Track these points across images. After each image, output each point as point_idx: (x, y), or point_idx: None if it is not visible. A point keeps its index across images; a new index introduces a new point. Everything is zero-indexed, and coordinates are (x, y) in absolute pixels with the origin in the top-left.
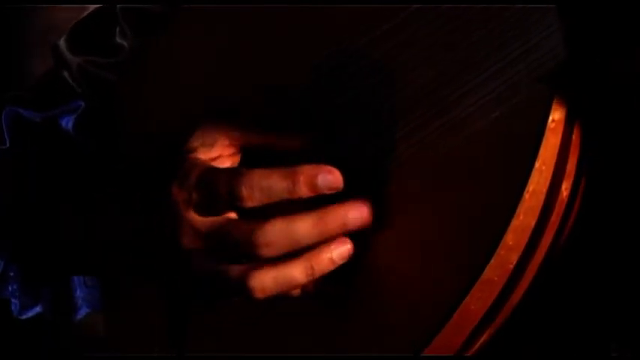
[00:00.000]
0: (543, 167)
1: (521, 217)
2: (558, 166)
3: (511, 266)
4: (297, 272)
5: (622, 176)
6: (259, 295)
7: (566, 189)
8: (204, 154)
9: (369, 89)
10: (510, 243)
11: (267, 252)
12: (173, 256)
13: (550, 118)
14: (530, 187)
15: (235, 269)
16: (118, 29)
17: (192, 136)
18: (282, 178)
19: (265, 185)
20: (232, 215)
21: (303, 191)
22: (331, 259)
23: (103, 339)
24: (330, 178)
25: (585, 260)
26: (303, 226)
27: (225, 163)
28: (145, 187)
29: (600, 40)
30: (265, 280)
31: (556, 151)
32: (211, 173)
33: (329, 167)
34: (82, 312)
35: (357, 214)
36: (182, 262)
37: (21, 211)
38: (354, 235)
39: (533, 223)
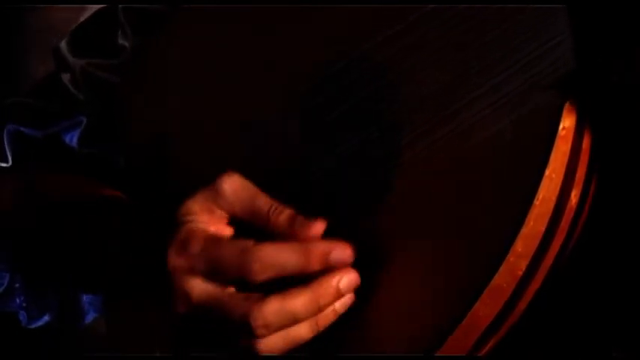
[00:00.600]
0: (553, 175)
1: (531, 224)
2: (568, 174)
3: (520, 273)
4: (304, 331)
5: (631, 183)
6: (270, 354)
7: (575, 196)
8: (201, 218)
9: (376, 92)
10: (520, 250)
11: (265, 332)
12: (170, 314)
13: (560, 125)
14: (541, 194)
15: (239, 338)
16: (119, 30)
17: (191, 199)
18: (294, 254)
19: (278, 262)
20: (229, 290)
21: (316, 267)
22: (335, 312)
23: (104, 339)
24: (343, 255)
25: (593, 267)
26: (300, 303)
27: (222, 227)
28: (144, 241)
29: (610, 45)
30: (273, 344)
31: (566, 158)
32: (217, 245)
33: (342, 243)
34: (90, 317)
35: (349, 279)
36: (177, 321)
37: (24, 228)
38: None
39: (542, 230)
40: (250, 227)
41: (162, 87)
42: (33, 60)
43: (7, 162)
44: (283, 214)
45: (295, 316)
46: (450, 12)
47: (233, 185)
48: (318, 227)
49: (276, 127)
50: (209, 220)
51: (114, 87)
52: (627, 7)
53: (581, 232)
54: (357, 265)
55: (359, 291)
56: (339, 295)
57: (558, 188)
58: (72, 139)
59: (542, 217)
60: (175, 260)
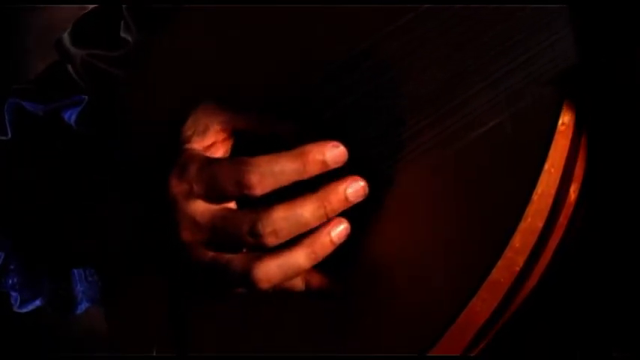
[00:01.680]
0: (552, 170)
1: (529, 220)
2: (567, 169)
3: (518, 268)
4: (301, 258)
5: (630, 179)
6: (265, 285)
7: (574, 191)
8: (198, 143)
9: (376, 89)
10: (517, 245)
11: (273, 240)
12: (173, 248)
13: (560, 120)
14: (539, 189)
15: (238, 261)
16: (122, 23)
17: (184, 125)
18: (291, 160)
19: (277, 170)
20: (231, 206)
21: (314, 170)
22: (331, 241)
23: (104, 338)
24: (337, 152)
25: (591, 263)
26: (308, 210)
27: (219, 150)
28: (144, 179)
29: (610, 42)
30: (270, 270)
31: (565, 153)
32: (213, 164)
33: (333, 142)
34: (83, 306)
35: (356, 186)
36: (182, 255)
37: (21, 202)
38: (359, 232)
39: (540, 225)
40: (249, 141)
41: (166, 85)
42: (33, 60)
43: (6, 135)
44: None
45: (304, 221)
46: (450, 9)
47: (217, 100)
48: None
49: (278, 124)
50: (205, 140)
51: (115, 79)
52: (631, 5)
53: (579, 227)
54: (355, 262)
55: (357, 286)
56: (347, 203)
57: (557, 183)
58: (71, 116)
59: (541, 213)
60: (176, 186)
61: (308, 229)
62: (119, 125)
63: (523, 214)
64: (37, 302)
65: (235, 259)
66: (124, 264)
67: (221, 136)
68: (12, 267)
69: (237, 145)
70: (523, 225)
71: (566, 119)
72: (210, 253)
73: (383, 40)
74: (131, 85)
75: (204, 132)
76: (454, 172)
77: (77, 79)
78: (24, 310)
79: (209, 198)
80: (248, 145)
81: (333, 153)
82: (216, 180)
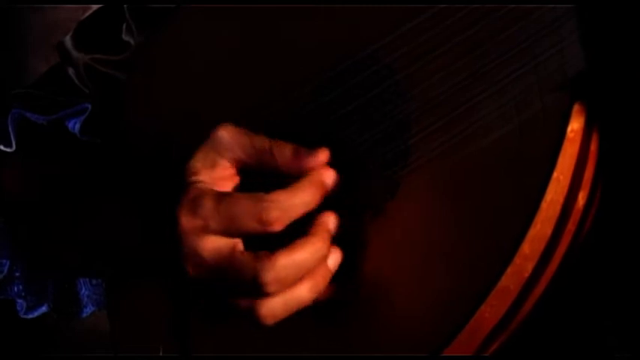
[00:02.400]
0: (561, 177)
1: (538, 227)
2: (576, 176)
3: (527, 275)
4: (304, 292)
5: (638, 186)
6: (270, 321)
7: (582, 198)
8: (206, 175)
9: (382, 94)
10: (527, 252)
11: (276, 288)
12: (177, 276)
13: (569, 127)
14: (548, 196)
15: (243, 300)
16: (124, 26)
17: (193, 157)
18: (306, 192)
19: (295, 203)
20: (239, 247)
21: (322, 198)
22: (329, 270)
23: (105, 337)
24: (333, 175)
25: (599, 269)
26: (307, 253)
27: (227, 184)
28: (148, 201)
29: (618, 47)
30: (275, 307)
31: (574, 161)
32: (230, 200)
33: (326, 168)
34: (88, 310)
35: (330, 217)
36: (186, 284)
37: (26, 211)
38: (366, 240)
39: (549, 232)
40: (255, 174)
41: (167, 86)
42: (36, 59)
43: (11, 147)
44: (286, 148)
45: (305, 266)
46: (458, 14)
47: (229, 131)
48: (323, 155)
49: (281, 126)
50: (214, 174)
51: (118, 83)
52: (639, 10)
53: (588, 234)
54: (363, 267)
55: (365, 295)
56: (331, 236)
57: (566, 190)
58: (75, 125)
59: (550, 220)
60: (187, 221)
61: (309, 270)
62: (121, 129)
63: (532, 221)
64: (43, 308)
65: (240, 299)
66: (125, 266)
67: (229, 171)
68: (17, 274)
69: (245, 179)
70: (532, 232)
71: (575, 126)
72: (214, 288)
73: (390, 43)
74: (132, 88)
75: (213, 166)
76: (463, 179)
77: (79, 84)
78: (30, 317)
79: (226, 234)
80: (255, 178)
81: (332, 178)
82: (236, 216)
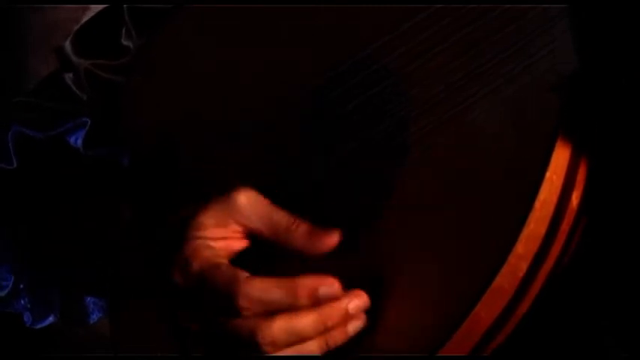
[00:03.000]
0: (554, 177)
1: (531, 226)
2: (569, 176)
3: (521, 274)
4: (313, 349)
5: (631, 185)
6: None
7: (576, 198)
8: (212, 232)
9: (381, 93)
10: (521, 252)
11: (271, 350)
12: (172, 324)
13: (561, 127)
14: (541, 196)
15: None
16: (123, 30)
17: (203, 213)
18: (282, 291)
19: (265, 299)
20: None
21: (304, 304)
22: (346, 333)
23: (107, 339)
24: (331, 290)
25: (594, 268)
26: (306, 323)
27: (234, 245)
28: (148, 229)
29: (610, 47)
30: (285, 354)
31: (567, 160)
32: (213, 271)
33: (329, 279)
34: (95, 317)
35: (358, 303)
36: (184, 328)
37: (26, 213)
38: (361, 238)
39: (543, 232)
40: (262, 243)
41: (167, 87)
42: (36, 59)
43: (12, 165)
44: (303, 227)
45: (302, 335)
46: (454, 14)
47: (250, 199)
48: (334, 238)
49: (282, 126)
50: (221, 234)
51: (118, 87)
52: (631, 10)
53: (582, 233)
54: (358, 268)
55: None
56: (349, 317)
57: (559, 190)
58: (77, 140)
59: (543, 219)
60: (177, 277)
61: (306, 340)
62: (123, 129)
63: (526, 220)
64: (51, 319)
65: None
66: (128, 274)
67: (237, 235)
68: (21, 286)
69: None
70: (526, 231)
71: (567, 126)
72: (211, 341)
73: (388, 43)
74: (132, 90)
75: (223, 227)
76: (456, 179)
77: (76, 91)
78: (38, 327)
79: (202, 300)
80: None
81: (326, 290)
82: (210, 290)
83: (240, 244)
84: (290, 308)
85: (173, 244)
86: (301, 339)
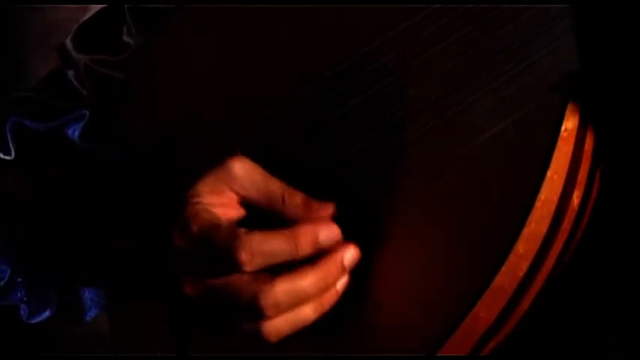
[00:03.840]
0: (555, 176)
1: (532, 226)
2: (570, 175)
3: (521, 274)
4: (309, 312)
5: (633, 185)
6: (274, 339)
7: (577, 197)
8: (209, 198)
9: (379, 93)
10: (521, 251)
11: (274, 313)
12: (174, 296)
13: (563, 127)
14: (542, 195)
15: (244, 321)
16: (125, 28)
17: (200, 181)
18: (283, 241)
19: (267, 250)
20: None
21: (307, 251)
22: (337, 292)
23: (105, 338)
24: (331, 233)
25: (594, 268)
26: (309, 282)
27: (231, 212)
28: (148, 214)
29: (612, 47)
30: (279, 327)
31: (568, 160)
32: (212, 230)
33: (327, 223)
34: (92, 313)
35: (352, 254)
36: (184, 303)
37: (26, 213)
38: (361, 239)
39: (544, 231)
40: (257, 212)
41: (167, 87)
42: (36, 59)
43: (10, 155)
44: (297, 197)
45: (305, 294)
46: (454, 13)
47: (245, 167)
48: (328, 210)
49: (281, 125)
50: (218, 201)
51: (117, 83)
52: (632, 9)
53: (582, 233)
54: (358, 267)
55: (361, 292)
56: (344, 271)
57: (560, 190)
58: (74, 132)
59: (544, 219)
60: (178, 240)
61: (309, 300)
62: (123, 124)
63: (526, 220)
64: (47, 313)
65: (242, 319)
66: (126, 266)
67: (233, 202)
68: (19, 280)
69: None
70: (526, 231)
71: (568, 125)
72: (214, 312)
73: (387, 43)
74: (132, 87)
75: (219, 194)
76: (456, 178)
77: (78, 87)
78: (34, 322)
79: (203, 262)
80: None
81: (327, 234)
82: (210, 248)
83: (236, 212)
84: (292, 258)
85: (172, 210)
86: (303, 299)
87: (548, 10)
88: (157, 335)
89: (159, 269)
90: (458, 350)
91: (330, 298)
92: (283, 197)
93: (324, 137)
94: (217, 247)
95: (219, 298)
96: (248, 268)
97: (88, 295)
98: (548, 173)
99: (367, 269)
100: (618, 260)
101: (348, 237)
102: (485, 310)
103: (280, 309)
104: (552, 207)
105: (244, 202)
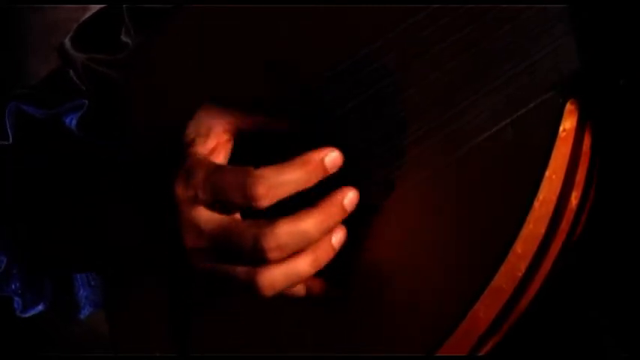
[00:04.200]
0: (553, 176)
1: (530, 226)
2: (568, 175)
3: (520, 274)
4: (304, 265)
5: (631, 185)
6: (269, 292)
7: (575, 198)
8: (201, 146)
9: (378, 94)
10: (519, 251)
11: (277, 255)
12: (175, 252)
13: (561, 127)
14: (541, 195)
15: (242, 268)
16: (123, 28)
17: (187, 128)
18: (296, 170)
19: (283, 180)
20: (236, 216)
21: (317, 177)
22: (332, 246)
23: (104, 338)
24: (335, 155)
25: (593, 268)
26: (311, 224)
27: (221, 154)
28: (147, 180)
29: (612, 47)
30: (275, 277)
31: (566, 160)
32: (219, 172)
33: (328, 148)
34: (86, 311)
35: (352, 197)
36: (184, 259)
37: (23, 207)
38: (361, 238)
39: (542, 231)
40: (252, 149)
41: (167, 87)
42: (36, 59)
43: (7, 140)
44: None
45: (307, 236)
46: (454, 13)
47: (218, 103)
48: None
49: (280, 124)
50: (208, 144)
51: (114, 82)
52: (633, 9)
53: (581, 233)
54: (356, 268)
55: (359, 294)
56: (345, 213)
57: (558, 190)
58: (72, 121)
59: (543, 219)
60: (181, 191)
61: (312, 242)
62: (120, 126)
63: (525, 220)
64: (40, 307)
65: (239, 268)
66: (126, 264)
67: (223, 137)
68: (14, 271)
69: (239, 148)
70: (525, 231)
71: (567, 125)
72: (214, 261)
73: (387, 43)
74: (132, 87)
75: (207, 134)
76: (455, 179)
77: (79, 84)
78: (27, 315)
79: (214, 207)
80: (249, 149)
81: (332, 157)
82: (223, 189)
83: (227, 148)
84: (305, 185)
85: (170, 166)
86: (306, 242)
87: (547, 10)
88: (157, 335)
89: (160, 225)
90: (457, 349)
91: (326, 253)
92: (266, 119)
93: (324, 137)
94: (228, 187)
95: (221, 246)
96: (265, 202)
97: (82, 293)
98: (547, 173)
99: (367, 270)
100: (617, 260)
101: (348, 237)
102: (484, 310)
103: (283, 251)
104: (551, 207)
105: (233, 135)
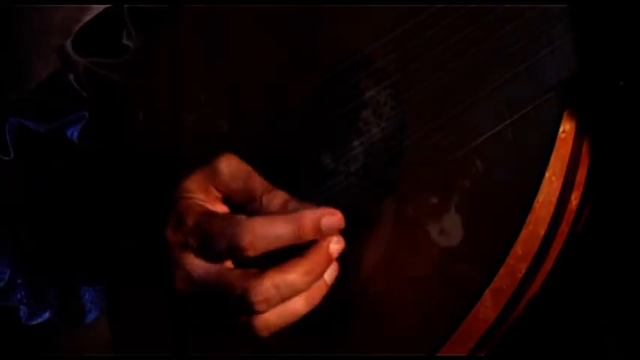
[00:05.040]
0: (553, 177)
1: (530, 227)
2: (568, 177)
3: (520, 275)
4: (298, 305)
5: (631, 186)
6: (264, 334)
7: (575, 199)
8: (197, 195)
9: (379, 95)
10: (520, 252)
11: (265, 307)
12: (169, 292)
13: (561, 128)
14: (540, 197)
15: (236, 315)
16: (124, 31)
17: (189, 178)
18: (286, 226)
19: (270, 234)
20: (227, 262)
21: (309, 237)
22: (326, 284)
23: (107, 339)
24: (335, 220)
25: (593, 270)
26: (297, 275)
27: (219, 205)
28: (147, 184)
29: (610, 49)
30: (270, 321)
31: (566, 161)
32: (209, 219)
33: (331, 209)
34: (92, 315)
35: (337, 242)
36: (179, 300)
37: (23, 207)
38: (359, 241)
39: (542, 232)
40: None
41: (167, 87)
42: (36, 59)
43: (9, 155)
44: (277, 197)
45: (294, 287)
46: (453, 15)
47: (230, 165)
48: (310, 210)
49: (280, 125)
50: (205, 199)
51: (117, 85)
52: (631, 11)
53: (581, 234)
54: (355, 270)
55: (360, 296)
56: (331, 260)
57: (558, 191)
58: (73, 133)
59: (542, 220)
60: (171, 236)
61: (300, 292)
62: (121, 127)
63: (525, 221)
64: (46, 315)
65: (233, 314)
66: (126, 264)
67: (220, 200)
68: (19, 281)
69: (240, 148)
70: (525, 232)
71: (567, 127)
72: (205, 304)
73: (388, 43)
74: (132, 88)
75: (205, 191)
76: (456, 179)
77: (79, 89)
78: (33, 323)
79: (202, 254)
80: (249, 149)
81: (330, 221)
82: (210, 238)
83: (223, 209)
84: (295, 242)
85: (164, 206)
86: (293, 292)
87: (548, 11)
88: (157, 335)
89: (156, 268)
90: (458, 350)
91: (319, 291)
92: (262, 195)
93: (324, 137)
94: (216, 235)
95: (210, 294)
96: (251, 253)
97: (88, 297)
98: (547, 174)
99: (367, 270)
100: (616, 261)
101: (348, 237)
102: (485, 311)
103: (270, 303)
104: (551, 208)
105: (228, 200)
